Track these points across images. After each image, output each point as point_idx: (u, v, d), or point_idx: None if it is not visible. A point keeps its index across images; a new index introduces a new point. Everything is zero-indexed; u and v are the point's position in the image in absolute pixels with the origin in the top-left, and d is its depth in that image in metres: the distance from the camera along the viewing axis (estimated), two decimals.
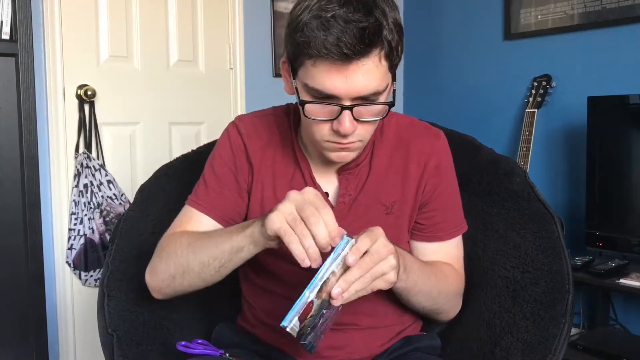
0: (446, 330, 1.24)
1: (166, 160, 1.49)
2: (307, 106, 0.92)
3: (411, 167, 1.09)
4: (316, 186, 1.07)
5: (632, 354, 2.06)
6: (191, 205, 1.10)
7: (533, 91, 2.62)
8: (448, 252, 1.13)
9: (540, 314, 1.11)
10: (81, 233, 2.27)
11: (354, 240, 0.84)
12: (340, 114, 0.90)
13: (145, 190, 1.38)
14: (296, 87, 0.94)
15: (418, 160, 1.09)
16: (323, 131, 0.95)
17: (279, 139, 1.11)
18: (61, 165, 2.26)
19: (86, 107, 2.30)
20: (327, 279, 0.83)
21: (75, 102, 2.28)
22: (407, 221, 1.10)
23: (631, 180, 2.24)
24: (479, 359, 1.12)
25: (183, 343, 1.08)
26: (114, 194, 2.33)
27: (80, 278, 2.30)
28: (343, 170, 1.08)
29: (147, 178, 1.41)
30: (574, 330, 2.45)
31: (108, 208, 2.30)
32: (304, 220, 0.83)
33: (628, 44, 2.42)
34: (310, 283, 0.83)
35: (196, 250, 1.00)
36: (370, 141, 1.07)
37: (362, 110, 0.91)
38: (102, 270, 1.27)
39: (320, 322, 0.87)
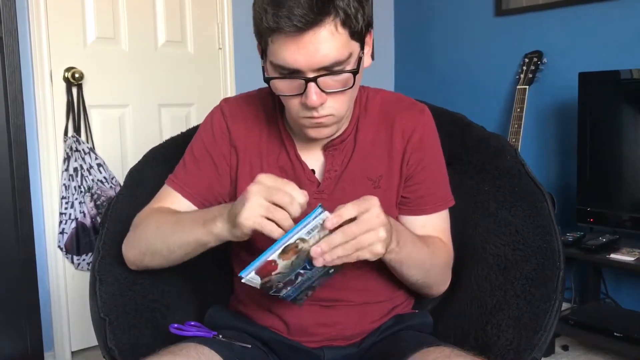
0: (438, 307, 1.25)
1: (157, 142, 1.47)
2: (273, 82, 0.94)
3: (395, 141, 1.09)
4: (301, 163, 1.09)
5: (623, 328, 2.09)
6: (168, 184, 1.13)
7: (524, 68, 2.61)
8: (435, 225, 1.13)
9: (531, 290, 1.12)
10: (72, 217, 2.26)
11: (327, 212, 0.85)
12: (305, 87, 0.91)
13: (135, 174, 1.37)
14: (264, 67, 0.95)
15: (402, 134, 1.10)
16: (295, 107, 0.96)
17: (265, 119, 1.12)
18: (50, 149, 2.24)
19: (74, 90, 2.28)
20: (294, 243, 0.85)
21: (63, 85, 2.26)
22: (395, 195, 1.10)
23: (622, 155, 2.24)
24: (470, 336, 1.13)
25: (176, 325, 1.09)
26: (104, 177, 2.31)
27: (72, 262, 2.30)
28: (328, 147, 1.08)
29: (137, 161, 1.40)
30: (565, 305, 2.47)
31: (99, 191, 2.29)
32: (278, 204, 0.86)
33: (618, 20, 2.41)
34: (273, 245, 0.85)
35: (164, 235, 1.03)
36: (355, 116, 1.09)
37: (328, 81, 0.92)
38: (93, 254, 1.26)
39: (300, 280, 0.92)
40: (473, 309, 1.16)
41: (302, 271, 0.91)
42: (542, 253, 1.15)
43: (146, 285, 1.18)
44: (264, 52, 0.95)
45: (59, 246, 2.27)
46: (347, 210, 0.85)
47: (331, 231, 0.85)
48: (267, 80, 0.95)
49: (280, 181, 0.87)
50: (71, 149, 2.25)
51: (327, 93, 0.93)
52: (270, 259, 0.85)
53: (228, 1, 2.69)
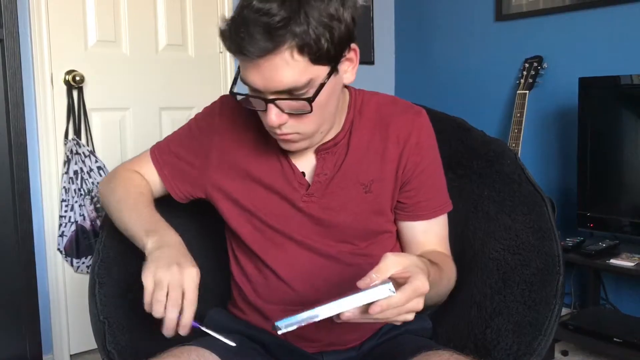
0: (437, 312, 1.25)
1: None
2: (248, 97, 0.96)
3: (390, 146, 1.08)
4: (291, 165, 1.08)
5: (623, 333, 2.09)
6: (150, 151, 1.19)
7: (524, 72, 2.62)
8: (436, 232, 1.12)
9: (530, 295, 1.12)
10: (72, 220, 2.26)
11: (392, 291, 0.78)
12: (267, 106, 0.92)
13: None
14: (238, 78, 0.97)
15: (397, 138, 1.08)
16: (265, 121, 0.98)
17: (257, 122, 1.10)
18: (50, 152, 2.24)
19: (75, 93, 2.28)
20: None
21: (64, 88, 2.26)
22: (389, 200, 1.09)
23: (622, 161, 2.24)
24: (470, 340, 1.13)
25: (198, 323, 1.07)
26: None
27: (72, 265, 2.30)
28: (320, 150, 1.07)
29: None
30: (565, 310, 2.47)
31: (98, 195, 2.29)
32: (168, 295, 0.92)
33: (619, 25, 2.41)
34: (329, 305, 0.79)
35: (118, 210, 1.12)
36: (349, 120, 1.08)
37: (285, 103, 0.92)
38: (92, 257, 1.26)
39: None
40: (473, 313, 1.16)
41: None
42: (542, 258, 1.15)
43: None
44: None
45: (58, 249, 2.27)
46: (424, 284, 0.81)
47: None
48: (232, 94, 0.98)
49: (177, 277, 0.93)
50: (71, 151, 2.25)
51: (287, 113, 0.93)
52: (317, 320, 0.79)
53: (229, 5, 2.70)
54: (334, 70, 0.93)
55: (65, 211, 2.26)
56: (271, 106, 0.91)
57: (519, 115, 2.54)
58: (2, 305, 2.12)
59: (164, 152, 1.17)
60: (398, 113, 1.10)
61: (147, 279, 0.92)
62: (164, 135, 2.49)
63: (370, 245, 1.10)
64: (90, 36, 2.33)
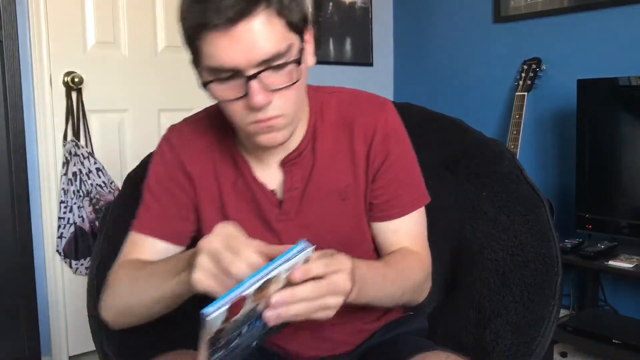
0: (436, 312, 1.25)
1: (155, 147, 1.47)
2: (214, 88, 0.86)
3: (357, 146, 1.01)
4: (259, 185, 1.01)
5: (621, 335, 2.09)
6: (137, 231, 1.04)
7: (523, 74, 2.62)
8: (409, 230, 1.05)
9: (529, 296, 1.12)
10: (71, 221, 2.26)
11: (311, 250, 0.75)
12: (248, 87, 0.83)
13: (134, 178, 1.37)
14: (201, 74, 0.87)
15: (364, 136, 1.01)
16: (240, 113, 0.87)
17: (216, 143, 1.04)
18: (49, 154, 2.24)
19: (74, 95, 2.28)
20: (269, 281, 0.71)
21: (63, 89, 2.26)
22: (364, 204, 1.03)
23: (620, 162, 2.25)
24: (468, 341, 1.13)
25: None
26: (103, 182, 2.31)
27: (71, 267, 2.30)
28: (285, 163, 1.00)
29: (136, 165, 1.40)
30: (563, 312, 2.47)
31: (97, 196, 2.29)
32: (225, 270, 0.75)
33: (617, 27, 2.41)
34: (254, 275, 0.71)
35: (138, 293, 0.94)
36: (311, 125, 1.01)
37: (270, 78, 0.84)
38: (91, 258, 1.26)
39: (236, 342, 0.76)
40: (471, 314, 1.16)
41: (245, 328, 0.75)
42: (540, 259, 1.15)
43: None
44: (196, 59, 0.87)
45: (57, 250, 2.27)
46: (317, 267, 0.75)
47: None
48: (204, 84, 0.86)
49: (234, 240, 0.77)
50: (70, 153, 2.25)
51: (271, 91, 0.85)
52: (245, 293, 0.69)
53: None
54: (303, 43, 0.88)
55: (64, 213, 2.25)
56: (254, 84, 0.82)
57: (517, 116, 2.54)
58: (0, 307, 2.12)
59: (146, 219, 1.04)
60: (361, 111, 1.03)
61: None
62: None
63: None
64: (89, 38, 2.33)
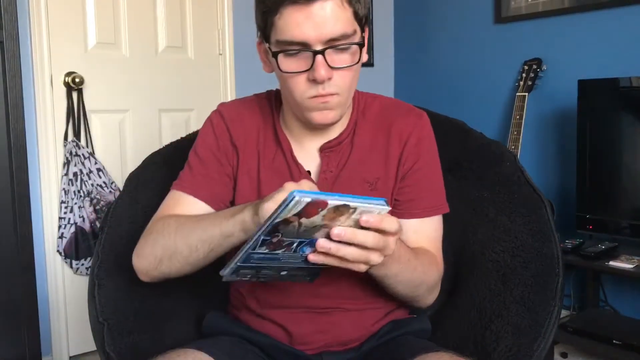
0: (437, 313, 1.25)
1: (156, 147, 1.48)
2: (281, 60, 0.95)
3: (392, 146, 1.10)
4: (297, 165, 1.09)
5: (622, 335, 2.09)
6: (178, 189, 1.10)
7: (524, 75, 2.62)
8: (428, 233, 1.11)
9: (530, 297, 1.12)
10: (72, 222, 2.26)
11: (386, 210, 0.79)
12: (313, 61, 0.93)
13: (134, 179, 1.37)
14: (270, 49, 0.97)
15: (399, 138, 1.10)
16: (301, 86, 0.97)
17: (262, 122, 1.13)
18: (50, 154, 2.25)
19: (74, 95, 2.28)
20: (347, 208, 0.76)
21: (63, 89, 2.26)
22: (391, 198, 1.10)
23: (621, 163, 2.25)
24: (469, 342, 1.13)
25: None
26: (104, 182, 2.31)
27: (71, 267, 2.30)
28: (324, 148, 1.09)
29: (137, 166, 1.40)
30: (564, 312, 2.47)
31: (98, 196, 2.29)
32: None
33: (618, 27, 2.41)
34: (339, 194, 0.76)
35: (184, 233, 1.00)
36: (352, 120, 1.11)
37: (334, 56, 0.94)
38: (92, 259, 1.26)
39: (266, 271, 0.86)
40: (472, 315, 1.16)
41: (293, 248, 0.81)
42: (541, 260, 1.15)
43: (145, 290, 1.18)
44: (266, 36, 0.97)
45: (58, 250, 2.27)
46: (391, 222, 0.81)
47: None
48: (274, 54, 0.96)
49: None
50: (71, 153, 2.25)
51: (333, 68, 0.94)
52: (328, 200, 0.74)
53: (228, 7, 2.70)
54: (363, 35, 0.98)
55: (65, 213, 2.25)
56: (319, 58, 0.92)
57: (518, 117, 2.54)
58: (1, 307, 2.12)
59: (189, 179, 1.10)
60: (400, 115, 1.13)
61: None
62: (163, 136, 2.53)
63: None
64: (90, 38, 2.33)
